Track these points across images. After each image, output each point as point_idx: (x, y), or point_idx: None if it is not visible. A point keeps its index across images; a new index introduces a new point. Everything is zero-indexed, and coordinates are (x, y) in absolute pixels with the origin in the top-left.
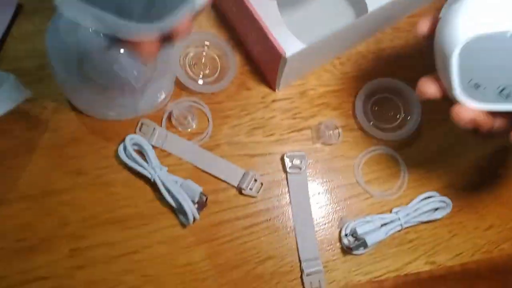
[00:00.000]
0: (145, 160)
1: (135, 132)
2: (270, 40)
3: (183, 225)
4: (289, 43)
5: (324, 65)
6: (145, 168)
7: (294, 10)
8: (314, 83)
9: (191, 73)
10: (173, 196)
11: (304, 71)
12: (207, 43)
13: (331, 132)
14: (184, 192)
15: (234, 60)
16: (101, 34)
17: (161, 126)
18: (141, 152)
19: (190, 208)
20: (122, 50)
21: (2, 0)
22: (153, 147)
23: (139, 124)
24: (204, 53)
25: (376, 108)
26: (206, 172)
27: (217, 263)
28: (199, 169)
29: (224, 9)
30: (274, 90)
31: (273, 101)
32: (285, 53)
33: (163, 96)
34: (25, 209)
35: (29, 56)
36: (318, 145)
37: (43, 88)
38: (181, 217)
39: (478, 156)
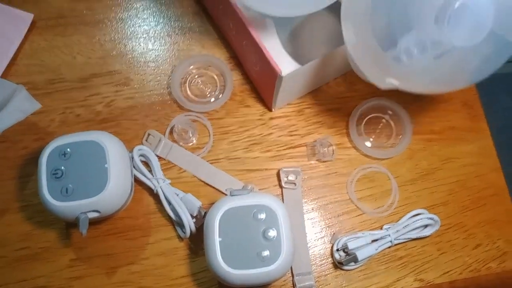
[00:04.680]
0: (149, 171)
1: (141, 143)
2: (267, 60)
3: (181, 238)
4: (285, 63)
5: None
6: (149, 179)
7: (291, 32)
8: (311, 102)
9: (190, 94)
10: (173, 209)
11: (299, 93)
12: (209, 65)
13: (325, 149)
14: (184, 205)
15: (231, 79)
16: None
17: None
18: (146, 163)
19: (188, 222)
20: None
21: (17, 17)
22: (158, 157)
23: (146, 135)
24: (206, 72)
25: (370, 128)
26: (207, 184)
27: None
28: (199, 182)
29: (224, 31)
30: (270, 110)
31: (271, 118)
32: (281, 72)
33: None
34: (29, 218)
35: (39, 71)
36: (313, 162)
37: (52, 101)
38: (179, 229)
39: (467, 177)
